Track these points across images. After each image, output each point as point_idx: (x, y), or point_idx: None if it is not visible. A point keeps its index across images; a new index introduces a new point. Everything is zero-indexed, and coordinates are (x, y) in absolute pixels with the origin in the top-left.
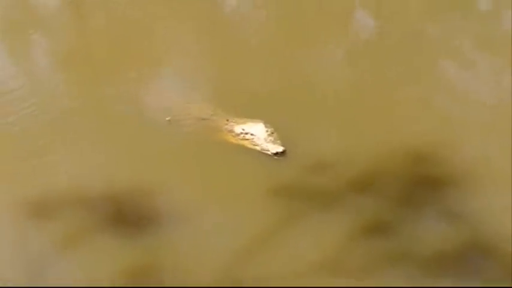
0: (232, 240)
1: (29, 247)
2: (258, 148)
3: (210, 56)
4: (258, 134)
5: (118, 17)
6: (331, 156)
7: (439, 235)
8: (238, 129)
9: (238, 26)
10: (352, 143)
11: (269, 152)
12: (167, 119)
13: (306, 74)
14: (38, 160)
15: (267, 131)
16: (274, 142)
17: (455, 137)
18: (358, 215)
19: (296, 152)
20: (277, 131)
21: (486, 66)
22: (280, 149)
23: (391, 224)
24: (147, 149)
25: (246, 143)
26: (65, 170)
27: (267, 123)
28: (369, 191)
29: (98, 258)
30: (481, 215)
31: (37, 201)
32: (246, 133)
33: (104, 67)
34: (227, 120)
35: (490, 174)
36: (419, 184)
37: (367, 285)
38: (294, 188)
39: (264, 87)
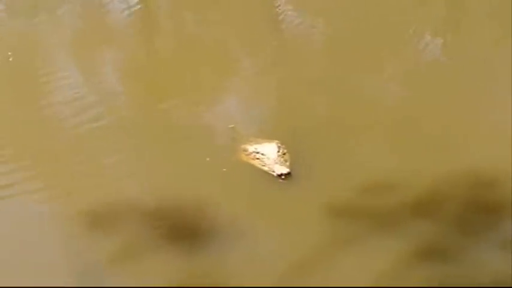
0: (284, 260)
1: (83, 259)
2: (265, 168)
3: (269, 78)
4: (268, 154)
5: (185, 38)
6: (390, 179)
7: (496, 263)
8: (251, 148)
9: (299, 49)
10: (412, 167)
11: (274, 173)
12: (230, 126)
13: (366, 97)
14: (98, 174)
15: (278, 152)
16: (282, 163)
17: None
18: (415, 239)
19: (354, 174)
20: (334, 153)
21: None
22: (284, 170)
23: (447, 250)
24: (204, 167)
25: (255, 162)
26: (122, 183)
27: (282, 143)
28: (426, 215)
29: (150, 272)
30: None
31: (94, 213)
32: (257, 152)
33: (168, 84)
34: (247, 139)
35: None
36: (479, 210)
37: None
38: (350, 210)
39: (321, 110)
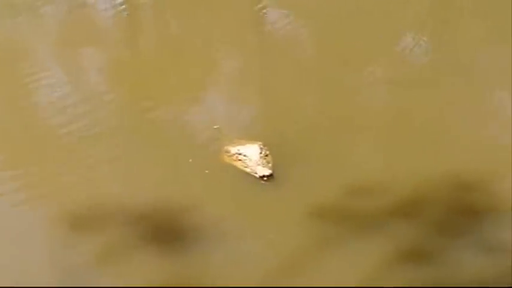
0: (266, 262)
1: (68, 259)
2: (248, 170)
3: (255, 80)
4: (250, 155)
5: (170, 39)
6: (374, 181)
7: (478, 265)
8: (233, 149)
9: (284, 48)
10: (396, 168)
11: (256, 175)
12: (215, 127)
13: (352, 98)
14: (83, 174)
15: (260, 153)
16: (264, 165)
17: (503, 166)
18: (398, 241)
19: (337, 176)
20: (319, 154)
21: None
22: (267, 172)
23: (430, 252)
24: (190, 169)
25: (238, 163)
26: (108, 185)
27: (264, 145)
28: (410, 217)
29: (133, 274)
30: None
31: (79, 215)
32: (240, 154)
33: (153, 86)
34: (230, 141)
35: None
36: (462, 212)
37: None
38: (332, 212)
39: (307, 110)
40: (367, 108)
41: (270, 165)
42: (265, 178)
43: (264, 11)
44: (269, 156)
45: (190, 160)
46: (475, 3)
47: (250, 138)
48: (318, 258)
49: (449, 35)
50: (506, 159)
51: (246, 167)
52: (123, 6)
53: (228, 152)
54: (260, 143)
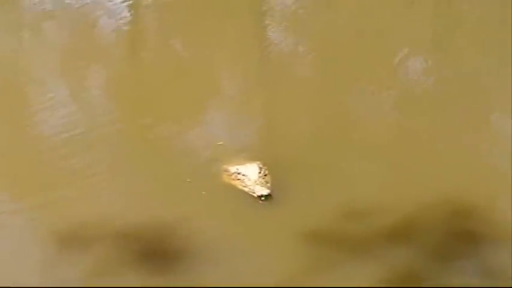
0: (262, 282)
1: (56, 278)
2: (246, 189)
3: (256, 100)
4: (249, 175)
5: (172, 58)
6: (372, 205)
7: None
8: (233, 169)
9: (285, 68)
10: (394, 192)
11: (255, 194)
12: (220, 143)
13: (353, 120)
14: (80, 192)
15: (259, 173)
16: (263, 185)
17: (501, 192)
18: (393, 265)
19: (335, 198)
20: (318, 175)
21: None
22: (265, 192)
23: (425, 277)
24: (188, 188)
25: (237, 183)
26: (104, 204)
27: (263, 165)
28: (406, 241)
29: None
30: None
31: (68, 233)
32: (239, 173)
33: (154, 105)
34: (229, 160)
35: None
36: (458, 238)
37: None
38: (329, 234)
39: (306, 130)
40: (367, 131)
41: (268, 185)
42: (263, 198)
43: (267, 31)
44: (268, 176)
45: (189, 180)
46: (482, 26)
47: (250, 157)
48: (313, 280)
49: (453, 57)
50: (505, 185)
51: (244, 186)
52: (127, 24)
53: (227, 171)
54: (259, 162)
